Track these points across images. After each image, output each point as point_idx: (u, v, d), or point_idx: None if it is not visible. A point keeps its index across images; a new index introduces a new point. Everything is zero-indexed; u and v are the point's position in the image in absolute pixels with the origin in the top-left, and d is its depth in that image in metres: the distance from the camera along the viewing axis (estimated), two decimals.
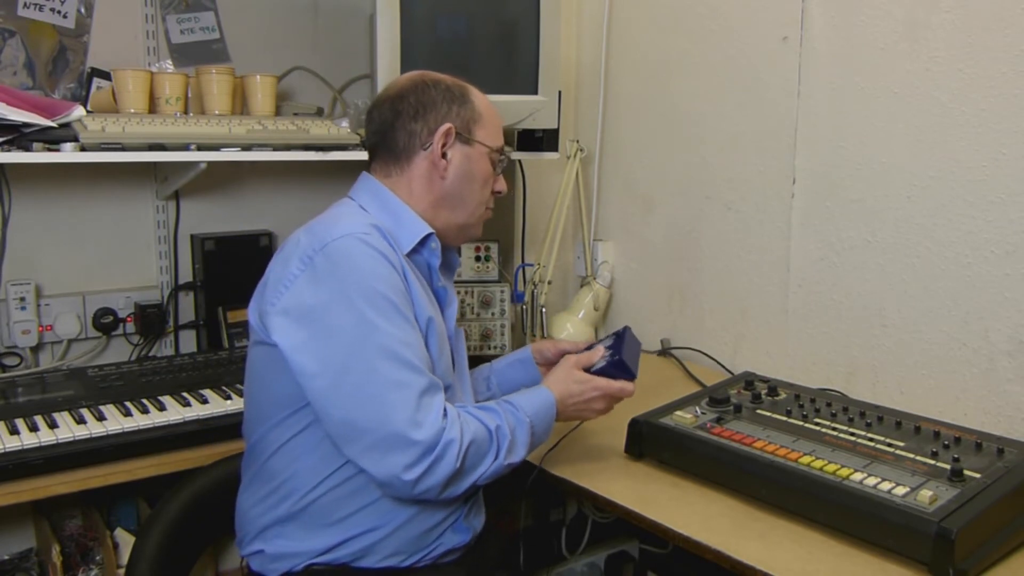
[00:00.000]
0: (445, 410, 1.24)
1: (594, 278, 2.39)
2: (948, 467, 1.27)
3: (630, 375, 1.46)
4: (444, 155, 1.38)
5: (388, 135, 1.40)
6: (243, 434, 1.41)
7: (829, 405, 1.56)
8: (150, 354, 2.06)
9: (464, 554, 1.39)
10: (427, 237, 1.38)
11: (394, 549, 1.31)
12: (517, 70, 2.05)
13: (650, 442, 1.51)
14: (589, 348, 1.58)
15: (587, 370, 1.47)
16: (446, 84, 1.41)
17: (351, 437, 1.22)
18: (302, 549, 1.30)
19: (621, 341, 1.53)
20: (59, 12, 1.90)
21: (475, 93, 1.43)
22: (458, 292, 2.20)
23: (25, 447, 1.47)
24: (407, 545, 1.32)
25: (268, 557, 1.32)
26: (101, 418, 1.59)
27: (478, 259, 2.28)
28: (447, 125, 1.37)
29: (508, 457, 1.30)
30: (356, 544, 1.30)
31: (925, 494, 1.19)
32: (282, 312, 1.25)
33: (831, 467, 1.30)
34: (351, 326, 1.21)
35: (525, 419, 1.34)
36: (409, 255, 1.35)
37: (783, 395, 1.63)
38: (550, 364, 1.63)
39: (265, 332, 1.27)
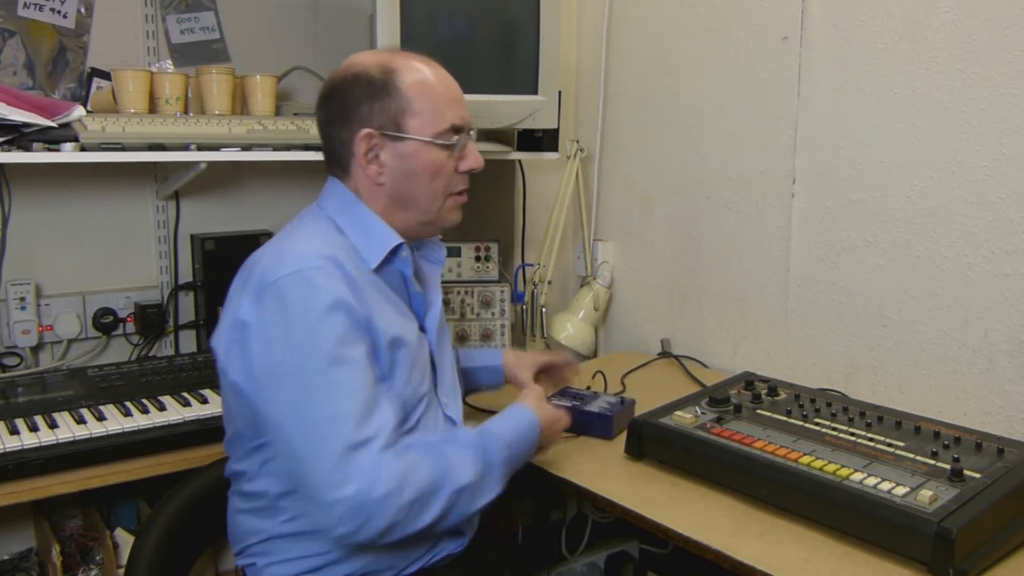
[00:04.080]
0: (381, 460, 1.15)
1: (594, 278, 2.39)
2: (948, 467, 1.27)
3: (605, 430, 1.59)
4: (376, 157, 1.29)
5: (325, 143, 1.34)
6: (225, 450, 1.38)
7: (829, 405, 1.55)
8: (150, 354, 2.06)
9: (462, 556, 1.39)
10: (398, 247, 1.32)
11: (391, 561, 1.29)
12: (517, 70, 2.05)
13: (650, 442, 1.51)
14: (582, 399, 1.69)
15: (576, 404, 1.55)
16: (368, 75, 1.28)
17: (296, 482, 1.22)
18: (296, 559, 1.28)
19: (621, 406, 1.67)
20: (59, 12, 1.90)
21: (404, 73, 1.28)
22: (458, 292, 2.20)
23: (25, 447, 1.47)
24: (404, 555, 1.30)
25: (260, 569, 1.31)
26: (101, 418, 1.59)
27: (478, 259, 2.28)
28: (363, 131, 1.27)
29: (471, 504, 1.23)
30: (353, 556, 1.27)
31: (925, 494, 1.19)
32: (227, 348, 1.23)
33: (831, 467, 1.30)
34: (294, 371, 1.17)
35: (498, 461, 1.26)
36: (381, 268, 1.31)
37: (783, 395, 1.63)
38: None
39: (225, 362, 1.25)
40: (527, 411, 1.35)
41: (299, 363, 1.17)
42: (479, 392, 1.69)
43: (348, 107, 1.28)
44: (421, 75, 1.30)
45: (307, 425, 1.15)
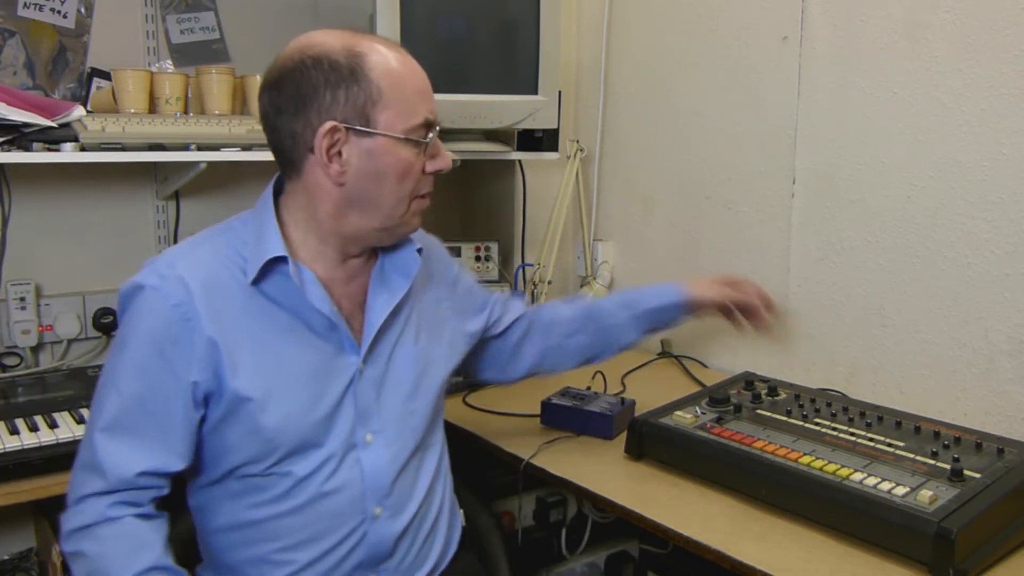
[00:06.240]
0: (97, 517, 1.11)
1: (594, 278, 2.39)
2: (948, 467, 1.27)
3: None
4: (339, 154, 1.12)
5: (272, 135, 1.15)
6: None
7: (829, 405, 1.55)
8: None
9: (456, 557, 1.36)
10: (277, 262, 1.14)
11: None
12: (517, 70, 2.05)
13: (650, 442, 1.51)
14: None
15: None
16: (331, 59, 1.10)
17: None
18: None
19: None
20: (59, 12, 1.90)
21: (374, 59, 1.11)
22: None
23: (25, 447, 1.47)
24: None
25: None
26: None
27: (478, 259, 2.28)
28: (328, 124, 1.09)
29: None
30: None
31: (925, 494, 1.19)
32: None
33: (831, 467, 1.30)
34: (102, 381, 1.14)
35: None
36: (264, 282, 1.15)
37: (783, 395, 1.63)
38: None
39: None
40: None
41: (109, 372, 1.14)
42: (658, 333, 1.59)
43: (307, 94, 1.10)
44: (391, 62, 1.12)
45: (85, 444, 1.16)
